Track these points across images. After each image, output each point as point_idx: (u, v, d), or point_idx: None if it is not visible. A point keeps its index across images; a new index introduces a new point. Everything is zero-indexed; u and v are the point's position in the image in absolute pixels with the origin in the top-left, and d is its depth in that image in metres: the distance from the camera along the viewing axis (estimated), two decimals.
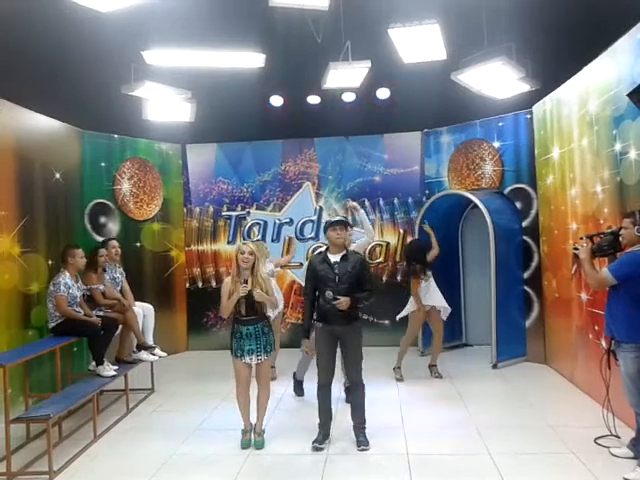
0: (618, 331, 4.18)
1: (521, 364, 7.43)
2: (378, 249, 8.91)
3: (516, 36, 5.99)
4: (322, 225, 8.40)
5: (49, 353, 5.63)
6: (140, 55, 5.93)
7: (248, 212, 9.07)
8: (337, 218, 4.99)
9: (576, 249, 4.54)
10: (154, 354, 6.44)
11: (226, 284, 4.86)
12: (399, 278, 8.76)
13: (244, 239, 8.80)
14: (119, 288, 6.60)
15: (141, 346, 6.36)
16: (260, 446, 4.90)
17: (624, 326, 4.13)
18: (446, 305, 6.90)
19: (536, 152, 7.40)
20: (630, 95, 4.35)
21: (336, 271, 4.76)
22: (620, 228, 4.27)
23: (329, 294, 4.67)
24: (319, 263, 4.86)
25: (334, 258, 4.83)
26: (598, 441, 4.66)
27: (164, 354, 6.59)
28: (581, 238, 4.79)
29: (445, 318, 6.99)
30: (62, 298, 5.69)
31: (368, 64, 6.02)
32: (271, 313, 5.11)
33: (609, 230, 4.57)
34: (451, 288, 8.45)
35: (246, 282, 4.72)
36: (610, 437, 4.62)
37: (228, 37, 5.83)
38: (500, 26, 5.89)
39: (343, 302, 4.64)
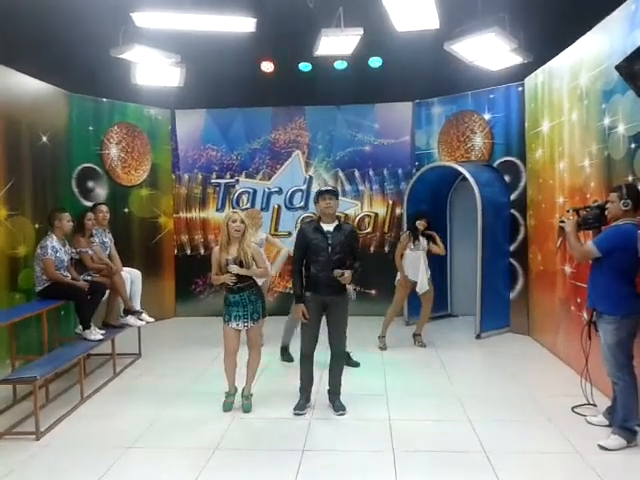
0: (600, 303, 4.26)
1: (504, 335, 7.56)
2: (367, 220, 8.94)
3: (509, 7, 5.93)
4: (312, 195, 8.42)
5: (36, 316, 5.65)
6: (129, 17, 5.82)
7: (237, 180, 9.03)
8: (326, 187, 5.01)
9: (562, 222, 4.58)
10: (141, 319, 6.47)
11: (215, 253, 4.89)
12: (387, 249, 8.80)
13: (233, 207, 8.80)
14: (107, 253, 6.59)
15: (128, 311, 6.39)
16: (248, 409, 4.98)
17: (606, 298, 4.20)
18: (425, 285, 6.89)
19: (526, 125, 7.40)
20: (618, 68, 4.34)
21: (329, 241, 4.77)
22: (606, 202, 4.30)
23: (337, 272, 4.68)
24: (312, 232, 4.85)
25: (327, 227, 4.83)
26: (576, 410, 4.78)
27: (152, 319, 6.63)
28: (568, 211, 4.84)
29: (419, 292, 6.97)
30: (50, 262, 5.68)
31: (360, 31, 5.95)
32: (259, 281, 5.16)
33: (595, 204, 4.61)
34: (438, 259, 8.52)
35: (235, 262, 4.79)
36: (587, 406, 4.74)
37: (219, 0, 5.73)
38: None
39: (347, 276, 4.71)
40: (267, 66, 8.17)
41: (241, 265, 4.80)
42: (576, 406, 4.80)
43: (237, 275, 4.78)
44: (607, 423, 4.41)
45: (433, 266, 7.17)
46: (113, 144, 8.19)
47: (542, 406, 4.97)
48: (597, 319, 4.31)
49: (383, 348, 6.96)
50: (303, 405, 4.94)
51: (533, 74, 7.11)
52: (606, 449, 4.08)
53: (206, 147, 9.02)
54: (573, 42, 5.86)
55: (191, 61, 7.08)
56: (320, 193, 4.89)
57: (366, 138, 8.87)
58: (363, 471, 3.92)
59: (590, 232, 4.58)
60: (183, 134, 9.02)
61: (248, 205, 8.89)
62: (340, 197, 8.82)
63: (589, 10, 5.40)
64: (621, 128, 4.75)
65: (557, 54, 6.33)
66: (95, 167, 7.94)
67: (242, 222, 4.82)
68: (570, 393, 5.02)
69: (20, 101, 6.29)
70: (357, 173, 8.90)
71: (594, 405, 4.71)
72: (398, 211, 8.77)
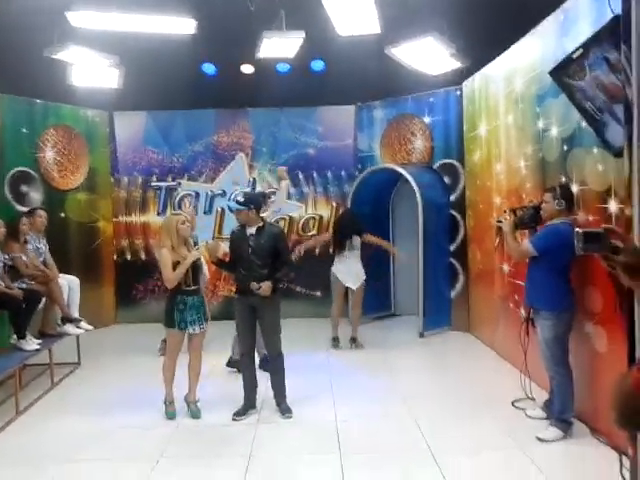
0: (537, 300, 4.40)
1: (446, 333, 7.72)
2: (311, 222, 8.96)
3: (448, 13, 6.07)
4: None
5: None
6: (64, 16, 5.63)
7: (179, 183, 8.88)
8: (236, 204, 4.95)
9: (500, 222, 4.72)
10: (80, 327, 6.27)
11: (166, 255, 4.73)
12: (331, 250, 8.83)
13: (175, 210, 8.65)
14: (42, 259, 6.35)
15: (66, 319, 6.18)
16: (197, 415, 4.91)
17: (543, 295, 4.34)
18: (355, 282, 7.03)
19: (465, 128, 7.59)
20: (551, 73, 4.51)
21: (250, 243, 4.84)
22: (541, 202, 4.46)
23: (254, 285, 4.74)
24: (237, 234, 4.96)
25: (250, 230, 4.90)
26: (515, 404, 4.93)
27: (90, 327, 6.43)
28: (505, 211, 4.98)
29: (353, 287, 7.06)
30: None
31: (302, 35, 5.96)
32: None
33: (531, 204, 4.77)
34: (381, 260, 8.64)
35: (196, 245, 4.79)
36: (526, 400, 4.89)
37: (158, 1, 5.63)
38: (433, 2, 5.95)
39: (265, 288, 4.74)
40: (209, 68, 8.08)
41: (195, 267, 4.85)
42: (516, 400, 4.95)
43: (193, 271, 4.78)
44: (545, 416, 4.57)
45: (376, 266, 7.26)
46: (49, 147, 7.92)
47: (484, 401, 5.10)
48: (535, 316, 4.46)
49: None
50: (242, 411, 4.91)
51: (470, 78, 7.30)
52: (544, 440, 4.22)
53: (146, 149, 8.84)
54: (509, 48, 6.05)
55: (130, 62, 6.93)
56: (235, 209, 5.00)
57: (309, 141, 8.90)
58: (310, 474, 3.92)
59: (526, 232, 4.73)
60: (122, 136, 8.81)
61: (191, 208, 8.75)
62: (285, 200, 8.86)
63: (524, 17, 5.58)
64: (554, 130, 4.94)
65: (494, 59, 6.51)
66: (29, 171, 7.65)
67: (189, 222, 4.91)
68: (509, 388, 5.19)
69: None
70: (301, 175, 8.91)
71: (533, 399, 4.88)
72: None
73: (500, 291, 6.43)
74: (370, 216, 8.25)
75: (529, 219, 4.56)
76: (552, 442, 4.21)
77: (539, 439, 4.24)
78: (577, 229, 3.80)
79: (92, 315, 6.92)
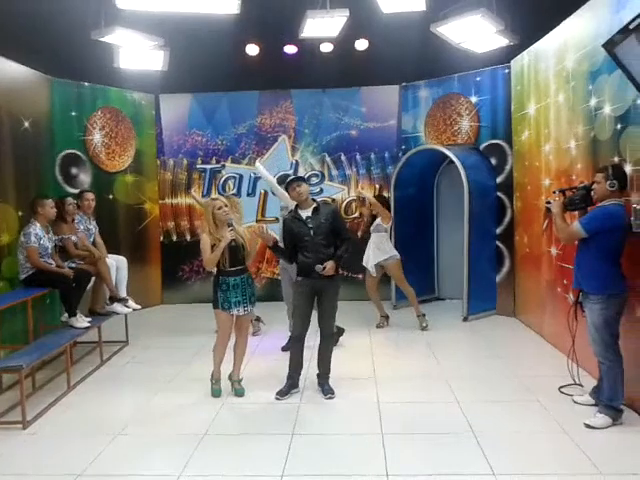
0: (586, 283, 4.28)
1: (491, 317, 7.60)
2: (354, 204, 8.91)
3: None
4: None
5: (21, 304, 5.59)
6: None
7: (223, 165, 8.95)
8: (292, 177, 4.97)
9: (548, 203, 4.60)
10: (128, 306, 6.42)
11: (205, 240, 4.79)
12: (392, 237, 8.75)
13: (219, 193, 8.73)
14: (92, 240, 6.52)
15: (113, 298, 6.33)
16: (242, 393, 4.98)
17: (592, 278, 4.22)
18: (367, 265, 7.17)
19: (512, 107, 7.39)
20: (605, 46, 4.31)
21: (310, 225, 4.81)
22: (592, 183, 4.31)
23: (318, 267, 4.73)
24: (292, 221, 4.92)
25: (305, 213, 4.88)
26: (562, 389, 4.82)
27: (138, 306, 6.57)
28: (554, 192, 4.84)
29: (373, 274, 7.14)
30: (33, 249, 5.61)
31: (346, 13, 5.88)
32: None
33: (582, 185, 4.62)
34: (425, 243, 8.55)
35: (231, 227, 4.74)
36: (574, 386, 4.77)
37: None
38: None
39: (329, 268, 4.74)
40: (252, 49, 8.05)
41: (243, 248, 4.84)
42: (563, 386, 4.84)
43: (231, 252, 4.75)
44: (593, 402, 4.45)
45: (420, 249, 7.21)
46: (97, 129, 8.07)
47: (529, 386, 5.01)
48: (583, 299, 4.34)
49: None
50: (286, 391, 4.93)
51: (519, 56, 7.09)
52: (592, 427, 4.12)
53: (191, 132, 8.92)
54: (559, 24, 5.84)
55: (175, 44, 6.97)
56: (289, 184, 4.95)
57: (353, 122, 8.82)
58: (352, 454, 3.92)
59: (576, 213, 4.59)
60: (168, 119, 8.92)
61: (234, 190, 8.83)
62: (327, 182, 8.86)
63: None
64: (607, 109, 4.75)
65: (543, 36, 6.30)
66: (78, 153, 7.82)
67: (226, 206, 4.84)
68: (556, 373, 5.08)
69: (0, 86, 6.16)
70: (344, 157, 8.86)
71: (580, 385, 4.75)
72: (385, 195, 8.72)
73: (548, 275, 6.27)
74: (414, 198, 8.16)
75: (579, 200, 4.41)
76: (600, 429, 4.10)
77: (587, 426, 4.14)
78: (635, 205, 3.65)
79: (139, 295, 7.08)
